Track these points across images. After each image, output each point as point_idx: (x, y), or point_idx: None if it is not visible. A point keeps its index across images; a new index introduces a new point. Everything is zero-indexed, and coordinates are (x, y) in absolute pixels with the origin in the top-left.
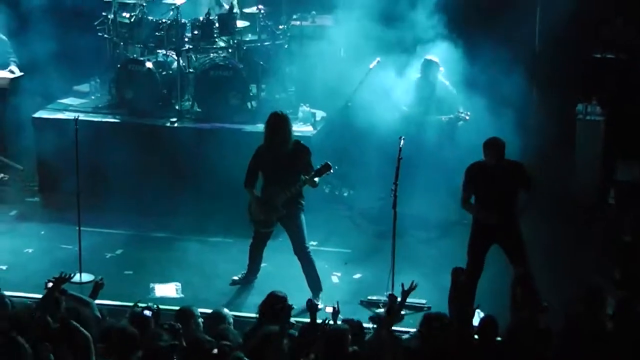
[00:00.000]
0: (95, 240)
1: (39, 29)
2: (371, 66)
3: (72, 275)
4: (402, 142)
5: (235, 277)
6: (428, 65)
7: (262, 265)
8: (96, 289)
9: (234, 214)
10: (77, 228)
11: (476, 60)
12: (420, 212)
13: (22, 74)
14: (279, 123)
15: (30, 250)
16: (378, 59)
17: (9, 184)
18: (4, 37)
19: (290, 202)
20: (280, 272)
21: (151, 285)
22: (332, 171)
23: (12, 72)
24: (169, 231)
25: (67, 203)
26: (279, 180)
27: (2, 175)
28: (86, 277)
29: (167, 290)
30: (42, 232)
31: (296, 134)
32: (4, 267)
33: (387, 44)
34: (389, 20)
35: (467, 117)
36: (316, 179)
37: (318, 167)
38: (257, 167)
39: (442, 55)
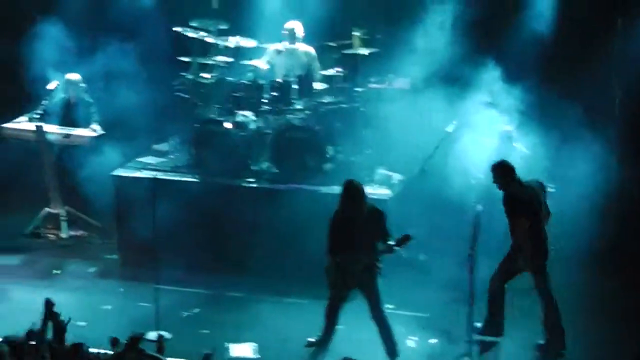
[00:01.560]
0: (172, 298)
1: (120, 89)
2: (448, 130)
3: (143, 333)
4: (478, 207)
5: (311, 339)
6: (506, 135)
7: (338, 327)
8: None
9: (309, 275)
10: (155, 286)
11: (554, 130)
12: None
13: (103, 132)
14: (353, 192)
15: (108, 307)
16: (455, 122)
17: (88, 241)
18: (87, 98)
19: (367, 266)
20: (356, 335)
21: (227, 345)
22: (411, 241)
23: (93, 130)
24: (245, 291)
25: (145, 261)
26: (356, 245)
27: (81, 232)
28: (166, 335)
29: (243, 350)
30: (120, 290)
31: (372, 196)
32: (82, 324)
33: (464, 107)
34: (466, 84)
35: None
36: (395, 249)
37: (398, 237)
38: (335, 232)
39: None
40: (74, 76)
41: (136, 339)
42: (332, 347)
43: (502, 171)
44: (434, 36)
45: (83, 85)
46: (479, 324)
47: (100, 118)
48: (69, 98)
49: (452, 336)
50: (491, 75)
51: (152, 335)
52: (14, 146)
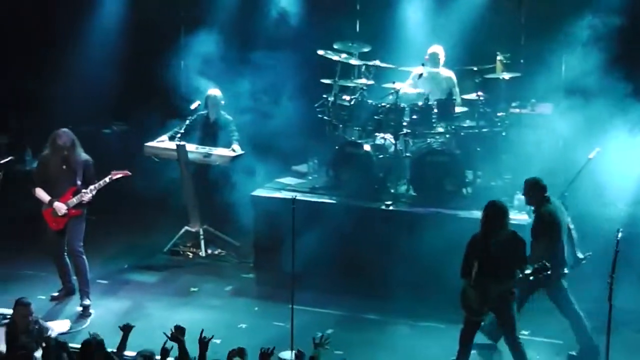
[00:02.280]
0: (307, 318)
1: (262, 108)
2: (590, 156)
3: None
4: (619, 234)
5: None
6: None
7: (473, 352)
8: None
9: (446, 299)
10: (290, 306)
11: None
12: (638, 307)
13: (243, 152)
14: (497, 213)
15: (243, 326)
16: (598, 149)
17: (225, 260)
18: (228, 117)
19: (503, 292)
20: None
21: None
22: (549, 272)
23: (234, 150)
24: (380, 313)
25: (281, 281)
26: (493, 271)
27: (219, 250)
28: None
29: None
30: (256, 309)
31: (511, 221)
32: (217, 341)
33: (608, 133)
34: (610, 110)
35: None
36: (531, 278)
37: (537, 266)
38: (472, 256)
39: None
40: (215, 92)
41: (267, 355)
42: None
43: (536, 188)
44: (576, 61)
45: (223, 102)
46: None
47: (240, 137)
48: (208, 115)
49: None
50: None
51: (286, 354)
52: (156, 165)
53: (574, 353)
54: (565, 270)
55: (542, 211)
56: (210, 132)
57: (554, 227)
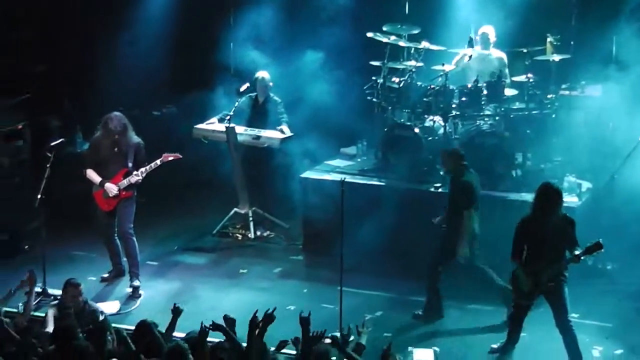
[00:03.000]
0: (356, 301)
1: (310, 90)
2: None
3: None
4: None
5: (494, 346)
6: None
7: (522, 335)
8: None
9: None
10: (339, 288)
11: None
12: None
13: (292, 134)
14: (551, 195)
15: (292, 308)
16: None
17: (274, 242)
18: (277, 98)
19: (554, 275)
20: (540, 343)
21: (409, 348)
22: (602, 250)
23: (282, 132)
24: None
25: (329, 263)
26: (544, 254)
27: (268, 232)
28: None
29: (425, 355)
30: (305, 291)
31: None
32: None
33: None
34: None
35: None
36: (582, 257)
37: (588, 245)
38: (523, 239)
39: None
40: (263, 74)
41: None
42: (515, 355)
43: (454, 157)
44: (627, 43)
45: (271, 84)
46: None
47: (289, 119)
48: (257, 96)
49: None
50: None
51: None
52: (205, 147)
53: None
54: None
55: (464, 180)
56: (259, 114)
57: (477, 196)
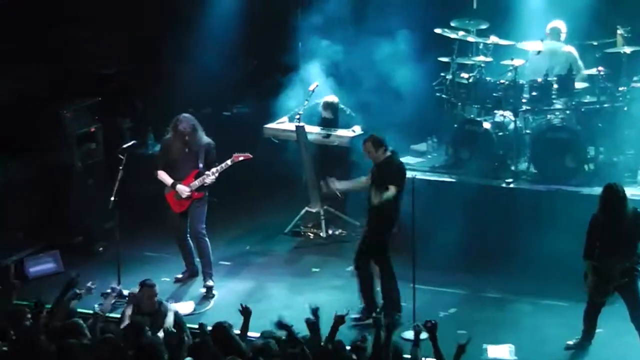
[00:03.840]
0: (429, 298)
1: (378, 88)
2: None
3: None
4: None
5: (570, 342)
6: None
7: (598, 331)
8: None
9: (570, 278)
10: (412, 285)
11: None
12: None
13: (362, 132)
14: (612, 197)
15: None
16: None
17: (346, 240)
18: (347, 111)
19: (627, 270)
20: (615, 339)
21: (484, 346)
22: None
23: (353, 130)
24: (502, 292)
25: (401, 260)
26: (616, 250)
27: (340, 231)
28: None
29: (500, 351)
30: (377, 289)
31: (635, 198)
32: None
33: None
34: None
35: None
36: None
37: None
38: (594, 236)
39: None
40: (332, 99)
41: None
42: (591, 351)
43: (376, 143)
44: None
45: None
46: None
47: (359, 117)
48: (327, 95)
49: None
50: None
51: (408, 334)
52: (276, 146)
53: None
54: None
55: (395, 159)
56: (329, 112)
57: (404, 178)
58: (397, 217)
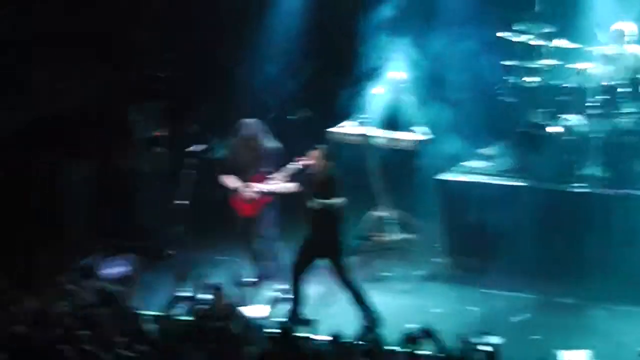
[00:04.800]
0: (501, 303)
1: (445, 92)
2: None
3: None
4: None
5: None
6: None
7: None
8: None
9: None
10: (483, 290)
11: None
12: None
13: (428, 135)
14: None
15: (437, 311)
16: None
17: (415, 244)
18: (412, 100)
19: None
20: None
21: (558, 352)
22: None
23: (419, 133)
24: (575, 297)
25: (471, 265)
26: None
27: (408, 235)
28: (493, 339)
29: (575, 357)
30: (447, 293)
31: None
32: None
33: None
34: None
35: None
36: None
37: None
38: None
39: None
40: (398, 76)
41: None
42: None
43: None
44: None
45: (406, 85)
46: None
47: (425, 121)
48: (392, 99)
49: None
50: None
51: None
52: (342, 150)
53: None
54: None
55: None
56: (395, 117)
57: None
58: None
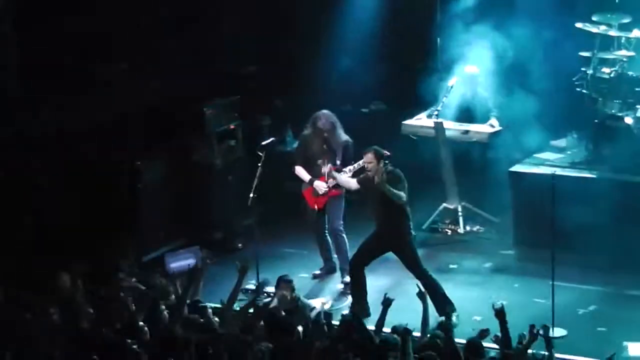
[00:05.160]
0: (568, 295)
1: (520, 84)
2: None
3: None
4: None
5: None
6: None
7: None
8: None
9: None
10: (551, 282)
11: None
12: None
13: (501, 128)
14: None
15: (504, 303)
16: None
17: (485, 237)
18: (485, 93)
19: None
20: None
21: (624, 343)
22: None
23: (492, 125)
24: None
25: (541, 257)
26: None
27: (477, 227)
28: (558, 332)
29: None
30: (516, 285)
31: None
32: (478, 318)
33: None
34: None
35: None
36: None
37: None
38: None
39: None
40: (472, 69)
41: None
42: None
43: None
44: None
45: (481, 79)
46: None
47: (499, 113)
48: (466, 92)
49: None
50: None
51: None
52: (414, 143)
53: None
54: None
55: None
56: (468, 109)
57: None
58: None
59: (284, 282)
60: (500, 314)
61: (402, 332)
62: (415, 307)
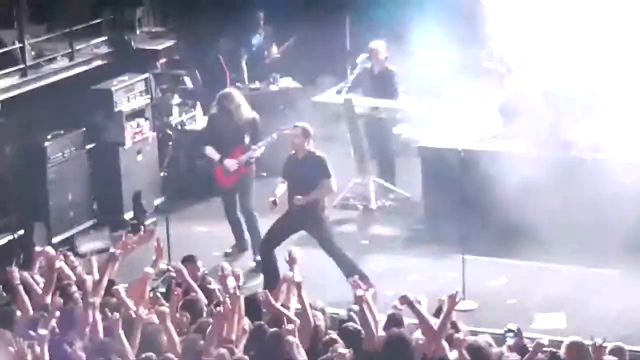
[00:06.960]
0: (479, 269)
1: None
2: None
3: None
4: None
5: None
6: None
7: None
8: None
9: None
10: (461, 256)
11: None
12: None
13: (408, 104)
14: None
15: (415, 278)
16: None
17: (396, 212)
18: (393, 70)
19: None
20: None
21: (534, 314)
22: None
23: (399, 102)
24: (546, 261)
25: (451, 231)
26: None
27: (389, 202)
28: (468, 304)
29: (552, 320)
30: (429, 259)
31: None
32: (390, 293)
33: None
34: None
35: None
36: None
37: None
38: None
39: None
40: (378, 44)
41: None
42: None
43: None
44: None
45: (387, 55)
46: None
47: (404, 89)
48: (373, 67)
49: None
50: None
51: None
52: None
53: None
54: None
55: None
56: (376, 86)
57: None
58: None
59: (188, 262)
60: (405, 301)
61: None
62: (332, 283)
